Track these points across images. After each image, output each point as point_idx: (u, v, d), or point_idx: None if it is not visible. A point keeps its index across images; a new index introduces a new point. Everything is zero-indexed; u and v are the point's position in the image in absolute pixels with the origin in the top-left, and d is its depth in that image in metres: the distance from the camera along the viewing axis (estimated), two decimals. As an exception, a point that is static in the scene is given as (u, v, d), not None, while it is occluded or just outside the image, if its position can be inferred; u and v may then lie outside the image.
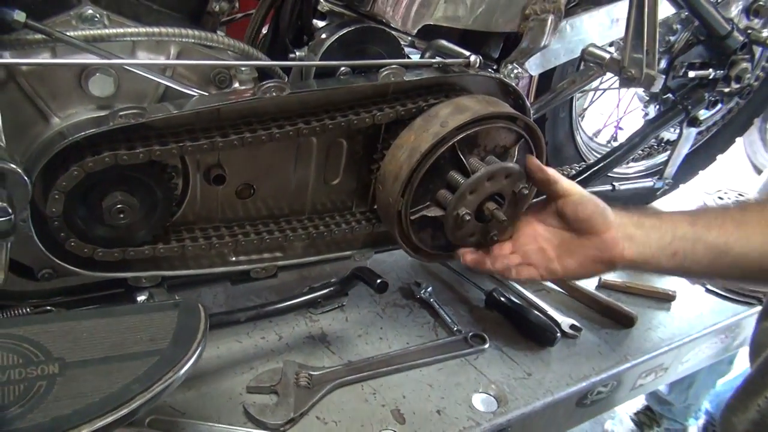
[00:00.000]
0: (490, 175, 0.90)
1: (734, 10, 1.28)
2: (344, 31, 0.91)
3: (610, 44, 1.15)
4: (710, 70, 1.26)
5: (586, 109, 1.56)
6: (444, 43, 0.94)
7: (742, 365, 1.95)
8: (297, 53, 0.94)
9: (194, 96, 0.82)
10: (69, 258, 0.82)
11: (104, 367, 0.67)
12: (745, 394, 0.72)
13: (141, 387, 0.65)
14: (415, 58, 1.00)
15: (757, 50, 1.32)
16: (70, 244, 0.80)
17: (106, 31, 0.73)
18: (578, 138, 1.40)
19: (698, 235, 0.87)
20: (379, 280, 0.97)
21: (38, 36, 0.69)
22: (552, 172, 0.93)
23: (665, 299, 1.35)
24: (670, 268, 0.89)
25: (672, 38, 1.24)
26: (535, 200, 0.98)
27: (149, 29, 0.75)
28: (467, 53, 0.91)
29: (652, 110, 1.38)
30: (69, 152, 0.74)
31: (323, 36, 0.91)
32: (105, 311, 0.75)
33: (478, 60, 0.90)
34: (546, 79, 1.23)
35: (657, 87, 1.00)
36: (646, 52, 0.96)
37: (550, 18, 0.96)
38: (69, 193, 0.76)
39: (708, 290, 1.39)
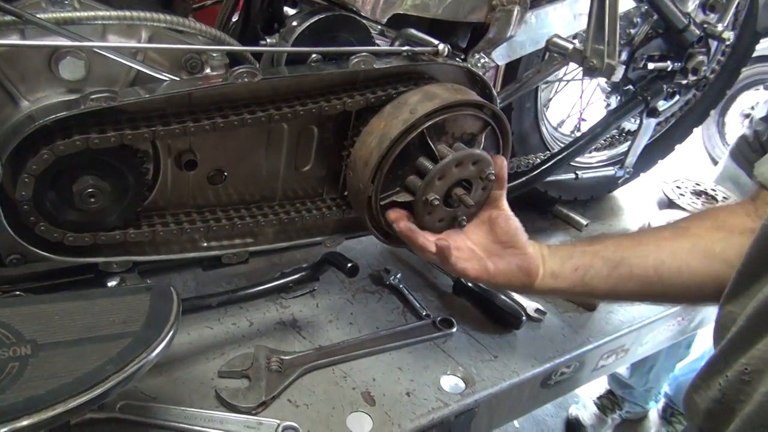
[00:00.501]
0: (458, 161, 0.92)
1: (691, 5, 1.33)
2: (315, 18, 0.92)
3: (574, 36, 1.18)
4: (668, 62, 1.30)
5: (550, 99, 1.60)
6: (413, 31, 0.96)
7: (699, 350, 2.03)
8: (268, 40, 0.95)
9: (166, 81, 0.82)
10: (38, 243, 0.81)
11: (77, 348, 0.68)
12: (708, 374, 0.75)
13: (114, 368, 0.66)
14: (385, 46, 1.02)
15: (713, 44, 1.38)
16: (39, 229, 0.79)
17: (77, 13, 0.73)
18: (543, 128, 1.43)
19: (596, 249, 0.94)
20: (349, 264, 0.98)
21: (7, 18, 0.69)
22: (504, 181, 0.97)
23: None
24: (574, 283, 0.93)
25: (632, 31, 1.28)
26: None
27: (120, 12, 0.75)
28: (435, 42, 0.93)
29: (614, 101, 1.42)
30: (39, 135, 0.74)
31: (294, 23, 0.92)
32: (77, 294, 0.75)
33: (446, 48, 0.92)
34: (512, 69, 1.25)
35: (617, 77, 1.03)
36: (607, 43, 0.99)
37: (516, 9, 0.99)
38: (39, 177, 0.75)
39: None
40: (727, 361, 0.72)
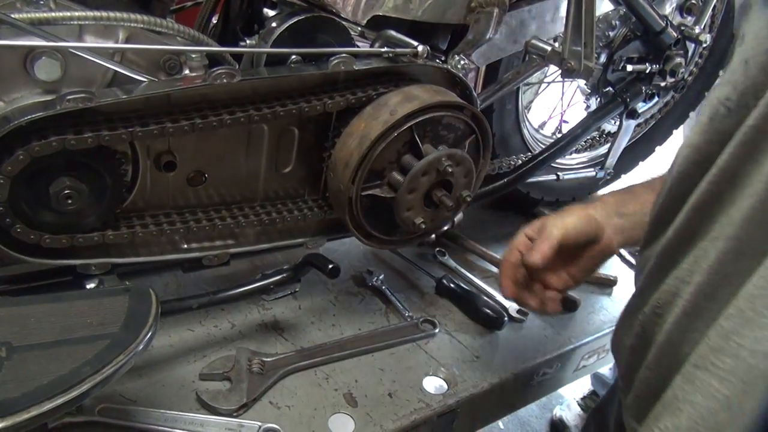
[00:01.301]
0: (442, 159, 0.93)
1: (668, 8, 1.35)
2: (295, 20, 0.92)
3: (555, 38, 1.19)
4: (647, 64, 1.32)
5: (531, 101, 1.61)
6: (392, 33, 0.96)
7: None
8: (248, 41, 0.95)
9: (144, 82, 0.82)
10: (14, 245, 0.81)
11: (53, 351, 0.67)
12: (629, 313, 0.80)
13: (91, 370, 0.65)
14: (365, 48, 1.02)
15: (690, 46, 1.39)
16: (15, 230, 0.79)
17: (52, 14, 0.72)
18: (524, 130, 1.44)
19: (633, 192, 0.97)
20: (330, 266, 0.98)
21: (-19, 18, 0.68)
22: (545, 238, 0.93)
23: (607, 284, 1.41)
24: (637, 223, 0.95)
25: (611, 33, 1.29)
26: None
27: (96, 13, 0.74)
28: (415, 43, 0.93)
29: (594, 103, 1.43)
30: (14, 136, 0.73)
31: (274, 25, 0.92)
32: (54, 297, 0.75)
33: (425, 50, 0.93)
34: (494, 71, 1.26)
35: (595, 78, 1.04)
36: (584, 44, 1.00)
37: (495, 11, 1.00)
38: (15, 178, 0.75)
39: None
40: (643, 298, 0.76)
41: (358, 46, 1.01)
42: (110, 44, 0.79)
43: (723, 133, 0.64)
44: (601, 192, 1.03)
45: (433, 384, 1.06)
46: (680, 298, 0.68)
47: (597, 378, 2.14)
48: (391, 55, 0.96)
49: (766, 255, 0.58)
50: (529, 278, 0.98)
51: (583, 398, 2.20)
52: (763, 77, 0.61)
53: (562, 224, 0.93)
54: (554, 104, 1.69)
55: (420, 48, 0.93)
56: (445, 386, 1.06)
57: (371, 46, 0.99)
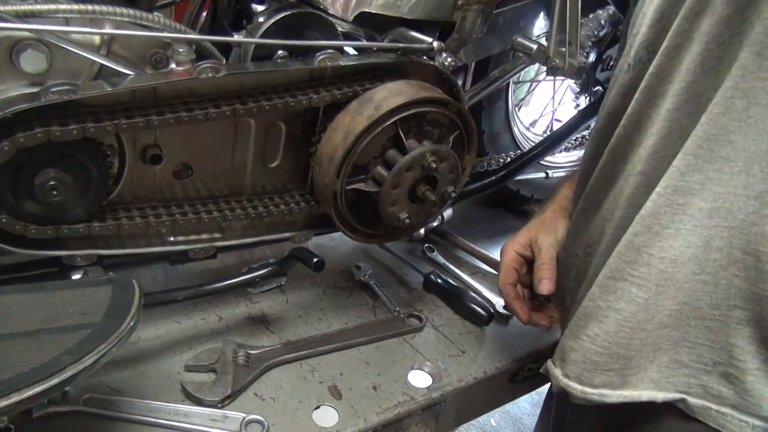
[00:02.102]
0: (427, 154, 0.94)
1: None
2: (282, 15, 0.93)
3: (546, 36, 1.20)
4: (636, 63, 1.32)
5: (522, 99, 1.62)
6: (405, 30, 0.97)
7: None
8: (235, 36, 0.95)
9: (130, 75, 0.82)
10: (0, 235, 0.81)
11: (34, 339, 0.68)
12: (565, 258, 0.88)
13: (72, 358, 0.66)
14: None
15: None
16: (0, 221, 0.79)
17: (38, 6, 0.73)
18: (515, 127, 1.45)
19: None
20: (315, 259, 0.99)
21: (-33, 10, 0.69)
22: (546, 262, 0.95)
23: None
24: None
25: (600, 33, 1.30)
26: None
27: (82, 6, 0.75)
28: (429, 39, 0.94)
29: (583, 101, 1.44)
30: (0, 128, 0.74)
31: (261, 19, 0.93)
32: (37, 286, 0.75)
33: (441, 46, 0.94)
34: (483, 68, 1.27)
35: (579, 76, 1.05)
36: (569, 43, 1.01)
37: (482, 9, 1.01)
38: (0, 169, 0.76)
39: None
40: (575, 242, 0.85)
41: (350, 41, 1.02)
42: (95, 30, 0.79)
43: (628, 87, 0.74)
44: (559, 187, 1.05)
45: (418, 378, 1.06)
46: (606, 236, 0.77)
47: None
48: (409, 50, 0.96)
49: (665, 181, 0.68)
50: (529, 294, 1.02)
51: (574, 396, 2.21)
52: (654, 33, 0.71)
53: (555, 241, 0.96)
54: (545, 102, 1.70)
55: (435, 44, 0.94)
56: (430, 380, 1.06)
57: (383, 41, 1.00)
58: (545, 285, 0.92)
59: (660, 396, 0.74)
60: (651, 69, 0.70)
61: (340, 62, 0.92)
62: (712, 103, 0.65)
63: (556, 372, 0.80)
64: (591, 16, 1.29)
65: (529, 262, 0.99)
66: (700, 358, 0.71)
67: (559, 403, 0.97)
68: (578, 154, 1.66)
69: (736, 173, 0.65)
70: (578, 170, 0.89)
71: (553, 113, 1.68)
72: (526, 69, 1.32)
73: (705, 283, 0.68)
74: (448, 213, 1.40)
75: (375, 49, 0.99)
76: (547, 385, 1.46)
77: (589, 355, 0.75)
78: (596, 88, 1.38)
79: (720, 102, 0.64)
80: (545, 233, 0.97)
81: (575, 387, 0.77)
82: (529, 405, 2.39)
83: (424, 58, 1.03)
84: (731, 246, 0.66)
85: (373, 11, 0.98)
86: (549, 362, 0.84)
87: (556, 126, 1.62)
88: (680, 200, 0.67)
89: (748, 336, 0.68)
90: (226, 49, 0.95)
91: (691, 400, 0.73)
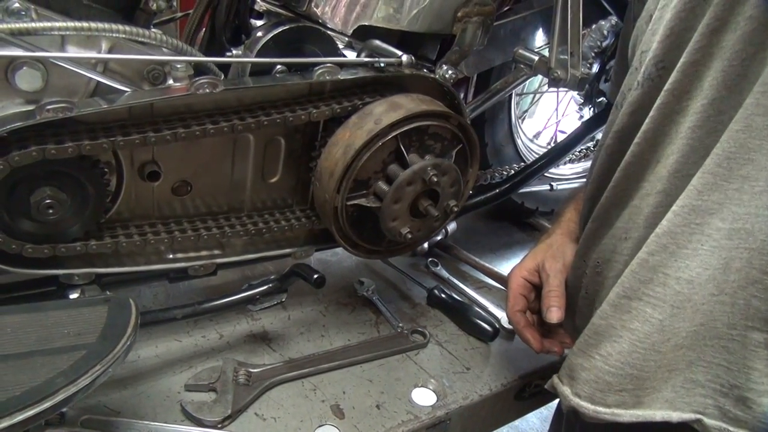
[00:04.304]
0: (428, 168, 0.93)
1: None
2: (279, 29, 0.92)
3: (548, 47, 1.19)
4: (640, 74, 1.31)
5: (526, 111, 1.61)
6: (378, 43, 0.96)
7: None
8: (234, 52, 0.95)
9: (127, 92, 0.82)
10: (-4, 254, 0.81)
11: (28, 361, 0.67)
12: (574, 278, 0.87)
13: (66, 380, 0.65)
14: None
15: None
16: (-4, 240, 0.79)
17: (34, 24, 0.72)
18: (518, 140, 1.44)
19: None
20: (315, 276, 0.98)
21: (-38, 28, 0.69)
22: (554, 289, 0.94)
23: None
24: None
25: (604, 43, 1.29)
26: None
27: (78, 23, 0.74)
28: (399, 53, 0.93)
29: (587, 112, 1.43)
30: (-5, 146, 0.73)
31: (259, 34, 0.92)
32: (32, 306, 0.74)
33: (410, 59, 0.93)
34: (485, 80, 1.26)
35: (582, 87, 1.04)
36: (571, 54, 1.00)
37: (482, 21, 1.00)
38: (-5, 188, 0.75)
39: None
40: (584, 261, 0.83)
41: (345, 56, 1.01)
42: (92, 54, 0.79)
43: (638, 105, 0.73)
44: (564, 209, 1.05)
45: (422, 396, 1.04)
46: (619, 255, 0.75)
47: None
48: (377, 64, 0.95)
49: (681, 200, 0.67)
50: (538, 320, 0.99)
51: (584, 411, 2.18)
52: (665, 49, 0.69)
53: (563, 267, 0.94)
54: (549, 114, 1.69)
55: (404, 57, 0.92)
56: (435, 398, 1.04)
57: (357, 55, 0.99)
58: (554, 313, 0.90)
59: (675, 416, 0.72)
60: (667, 86, 0.68)
61: (339, 76, 0.91)
62: (732, 121, 0.63)
63: (566, 390, 0.78)
64: (594, 26, 1.28)
65: (537, 288, 0.97)
66: (717, 379, 0.69)
67: (568, 421, 0.95)
68: (583, 165, 1.64)
69: (757, 193, 0.63)
70: (584, 191, 0.87)
71: (557, 125, 1.67)
72: (530, 80, 1.31)
73: (723, 303, 0.66)
74: (452, 227, 1.38)
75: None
76: (557, 401, 1.44)
77: (602, 374, 0.73)
78: (600, 99, 1.36)
79: (741, 119, 0.62)
80: (553, 258, 0.95)
81: (587, 407, 0.75)
82: (537, 420, 2.35)
83: (425, 71, 1.02)
84: (750, 266, 0.64)
85: (373, 25, 0.97)
86: (556, 379, 0.82)
87: (560, 137, 1.61)
88: (698, 220, 0.66)
89: (765, 359, 0.66)
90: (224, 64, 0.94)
91: (708, 420, 0.70)
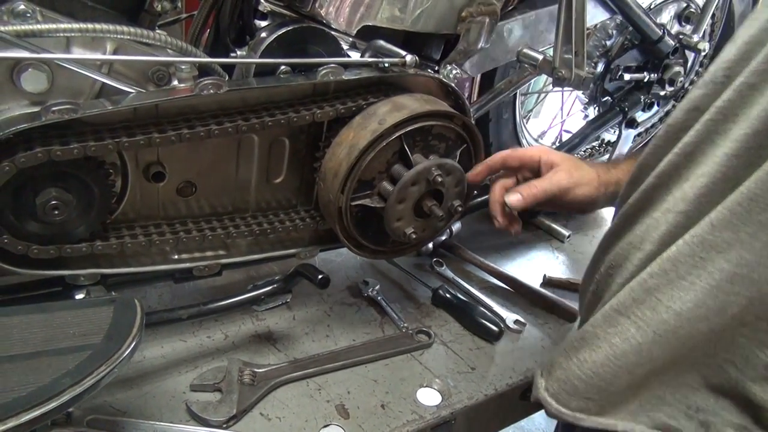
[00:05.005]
0: (432, 168, 0.93)
1: (666, 16, 1.34)
2: (283, 30, 0.92)
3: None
4: (645, 73, 1.31)
5: (531, 111, 1.60)
6: (382, 43, 0.96)
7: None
8: (238, 53, 0.95)
9: (131, 93, 0.82)
10: (2, 256, 0.81)
11: (34, 362, 0.67)
12: (590, 271, 0.85)
13: (71, 381, 0.65)
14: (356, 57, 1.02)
15: (690, 55, 1.38)
16: (2, 241, 0.79)
17: (39, 26, 0.73)
18: (523, 139, 1.43)
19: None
20: (320, 276, 0.98)
21: (-33, 31, 0.69)
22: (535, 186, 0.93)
23: (607, 295, 1.39)
24: None
25: (608, 42, 1.28)
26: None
27: (83, 25, 0.75)
28: (403, 53, 0.93)
29: (592, 112, 1.42)
30: (0, 148, 0.74)
31: (263, 35, 0.93)
32: (38, 307, 0.75)
33: (414, 60, 0.93)
34: (489, 80, 1.26)
35: (586, 87, 1.04)
36: (575, 53, 1.00)
37: (486, 21, 1.00)
38: (1, 189, 0.75)
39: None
40: (600, 258, 0.82)
41: (349, 56, 1.01)
42: (96, 56, 0.79)
43: (694, 105, 0.68)
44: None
45: (427, 396, 1.04)
46: (630, 263, 0.73)
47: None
48: (381, 65, 0.95)
49: (695, 230, 0.64)
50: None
51: (590, 411, 2.17)
52: (737, 58, 0.64)
53: (565, 185, 0.92)
54: (554, 113, 1.68)
55: (408, 57, 0.92)
56: (440, 398, 1.04)
57: (361, 56, 0.99)
58: (513, 198, 0.91)
59: (637, 429, 0.72)
60: (718, 102, 0.64)
61: (343, 77, 0.91)
62: (767, 162, 0.59)
63: (540, 382, 0.79)
64: (598, 25, 1.27)
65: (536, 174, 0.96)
66: (684, 399, 0.69)
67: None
68: (588, 164, 1.64)
69: None
70: (629, 179, 0.80)
71: (562, 124, 1.67)
72: (535, 80, 1.31)
73: (708, 339, 0.66)
74: (456, 227, 1.38)
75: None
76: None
77: (573, 378, 0.73)
78: (605, 98, 1.36)
79: None
80: (570, 174, 0.93)
81: (551, 403, 0.76)
82: (543, 420, 2.35)
83: (429, 71, 1.02)
84: (746, 312, 0.63)
85: (377, 25, 0.97)
86: (537, 369, 0.82)
87: (566, 137, 1.61)
88: (703, 254, 0.63)
89: (738, 396, 0.66)
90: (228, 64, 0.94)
91: None
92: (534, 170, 0.95)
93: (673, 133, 0.70)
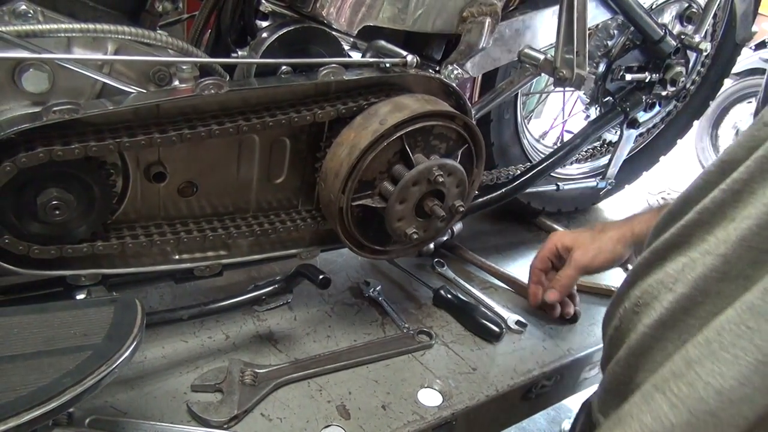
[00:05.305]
0: (433, 168, 0.92)
1: (668, 16, 1.33)
2: (284, 30, 0.92)
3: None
4: (646, 73, 1.31)
5: (532, 111, 1.60)
6: (383, 43, 0.96)
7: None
8: (239, 53, 0.95)
9: (132, 93, 0.82)
10: (3, 256, 0.81)
11: (35, 361, 0.67)
12: (615, 303, 0.80)
13: (72, 381, 0.65)
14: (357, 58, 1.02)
15: (692, 55, 1.38)
16: (3, 241, 0.79)
17: (40, 26, 0.73)
18: (524, 139, 1.43)
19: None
20: (321, 276, 0.98)
21: (-32, 31, 0.69)
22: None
23: (608, 295, 1.39)
24: None
25: (610, 42, 1.28)
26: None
27: (84, 25, 0.75)
28: (404, 53, 0.93)
29: (593, 112, 1.42)
30: (2, 148, 0.74)
31: (264, 35, 0.93)
32: (39, 307, 0.75)
33: (414, 60, 0.92)
34: (490, 80, 1.26)
35: (587, 87, 1.04)
36: (577, 53, 1.00)
37: (487, 21, 1.00)
38: (2, 189, 0.75)
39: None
40: (628, 291, 0.76)
41: (350, 57, 1.01)
42: (98, 56, 0.79)
43: (755, 142, 0.62)
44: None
45: (428, 396, 1.04)
46: (659, 303, 0.68)
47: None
48: (382, 65, 0.95)
49: (748, 284, 0.57)
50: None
51: (592, 412, 2.17)
52: None
53: (587, 264, 1.09)
54: (556, 114, 1.68)
55: (409, 58, 0.92)
56: (441, 398, 1.04)
57: (362, 56, 0.99)
58: (550, 295, 1.08)
59: None
60: None
61: (344, 77, 0.91)
62: None
63: None
64: (600, 25, 1.27)
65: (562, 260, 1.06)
66: None
67: None
68: (590, 165, 1.64)
69: None
70: (669, 209, 0.75)
71: (564, 124, 1.67)
72: (536, 80, 1.31)
73: (752, 426, 0.56)
74: (458, 227, 1.38)
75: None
76: (564, 401, 1.44)
77: None
78: (606, 99, 1.36)
79: None
80: (585, 251, 1.06)
81: None
82: (545, 421, 2.35)
83: (430, 71, 1.02)
84: None
85: (378, 25, 0.97)
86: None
87: (567, 137, 1.60)
88: (751, 322, 0.56)
89: None
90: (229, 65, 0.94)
91: None
92: (559, 256, 1.11)
93: (729, 170, 0.64)
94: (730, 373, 0.55)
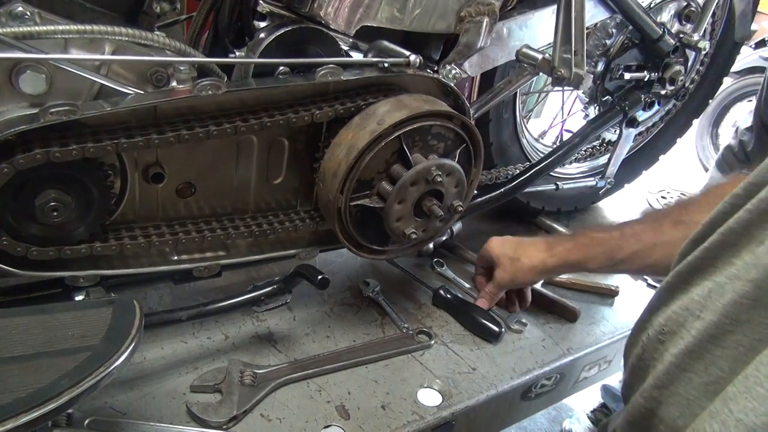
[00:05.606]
0: (431, 168, 0.92)
1: (666, 15, 1.33)
2: (282, 31, 0.92)
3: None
4: (645, 72, 1.30)
5: (531, 110, 1.60)
6: (386, 43, 0.96)
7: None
8: (237, 53, 0.95)
9: (130, 94, 0.82)
10: (1, 257, 0.81)
11: (33, 363, 0.67)
12: (637, 329, 0.76)
13: (70, 382, 0.65)
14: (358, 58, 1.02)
15: (691, 54, 1.38)
16: (2, 243, 0.79)
17: (37, 28, 0.73)
18: (523, 139, 1.43)
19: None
20: (320, 276, 0.98)
21: (-34, 33, 0.69)
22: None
23: (608, 295, 1.39)
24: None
25: (608, 42, 1.28)
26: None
27: (81, 27, 0.75)
28: (407, 53, 0.93)
29: (592, 111, 1.42)
30: (-1, 150, 0.74)
31: (261, 36, 0.93)
32: (38, 309, 0.75)
33: (417, 60, 0.92)
34: (489, 80, 1.26)
35: (586, 86, 1.03)
36: (575, 52, 1.00)
37: (485, 20, 1.00)
38: (0, 191, 0.75)
39: (649, 285, 1.44)
40: (651, 318, 0.72)
41: (350, 56, 1.01)
42: (96, 56, 0.79)
43: None
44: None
45: (427, 396, 1.04)
46: (686, 332, 0.64)
47: (607, 391, 2.11)
48: (384, 65, 0.95)
49: None
50: None
51: (593, 411, 2.17)
52: None
53: (508, 279, 1.19)
54: (555, 113, 1.68)
55: (412, 57, 0.92)
56: (440, 398, 1.04)
57: (364, 56, 0.99)
58: (479, 302, 1.21)
59: None
60: None
61: (342, 77, 0.91)
62: None
63: None
64: (598, 24, 1.27)
65: None
66: None
67: None
68: (589, 164, 1.63)
69: None
70: (694, 235, 0.71)
71: (563, 124, 1.66)
72: (535, 79, 1.30)
73: None
74: (457, 227, 1.38)
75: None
76: (563, 400, 1.43)
77: None
78: (605, 98, 1.36)
79: None
80: (506, 265, 1.18)
81: None
82: (546, 420, 2.35)
83: (428, 71, 1.02)
84: None
85: (376, 25, 0.97)
86: None
87: (566, 137, 1.60)
88: None
89: None
90: (227, 65, 0.94)
91: None
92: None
93: (755, 192, 0.60)
94: (762, 408, 0.52)
